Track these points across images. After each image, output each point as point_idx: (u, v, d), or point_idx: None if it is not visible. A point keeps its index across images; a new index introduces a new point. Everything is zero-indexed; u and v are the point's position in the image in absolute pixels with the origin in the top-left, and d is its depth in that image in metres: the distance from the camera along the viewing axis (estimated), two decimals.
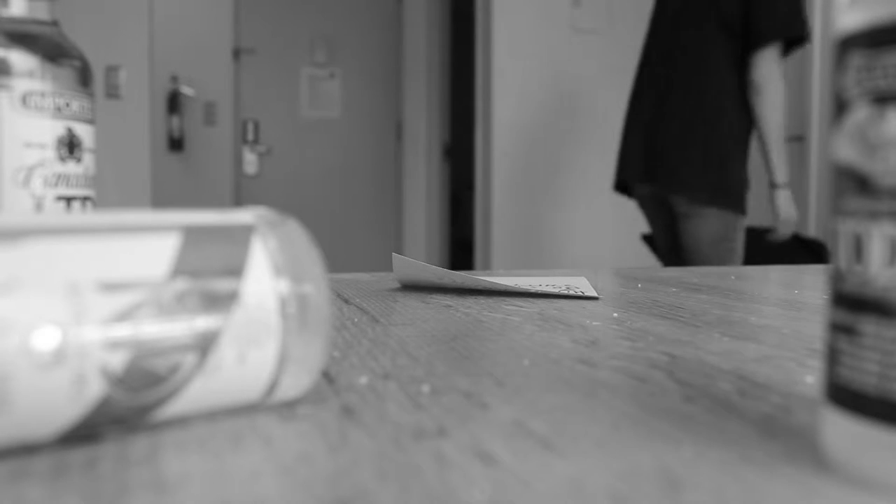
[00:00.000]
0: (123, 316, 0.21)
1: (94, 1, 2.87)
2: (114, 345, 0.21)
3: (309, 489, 0.19)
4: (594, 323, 0.45)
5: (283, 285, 0.24)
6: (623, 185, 1.97)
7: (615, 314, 0.49)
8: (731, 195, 1.78)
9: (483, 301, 0.55)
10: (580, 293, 0.58)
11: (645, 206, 1.96)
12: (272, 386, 0.25)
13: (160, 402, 0.22)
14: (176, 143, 4.10)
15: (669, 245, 1.95)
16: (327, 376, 0.31)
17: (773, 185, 1.80)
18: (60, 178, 0.42)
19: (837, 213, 0.21)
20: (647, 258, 2.76)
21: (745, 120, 1.78)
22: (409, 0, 4.15)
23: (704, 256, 1.81)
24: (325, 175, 4.39)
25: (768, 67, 1.72)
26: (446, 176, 4.29)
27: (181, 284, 0.22)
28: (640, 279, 0.72)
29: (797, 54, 2.37)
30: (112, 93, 2.92)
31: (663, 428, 0.24)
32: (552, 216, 2.94)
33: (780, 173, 1.77)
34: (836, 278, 0.21)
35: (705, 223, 1.79)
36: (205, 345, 0.22)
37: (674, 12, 1.84)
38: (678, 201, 1.82)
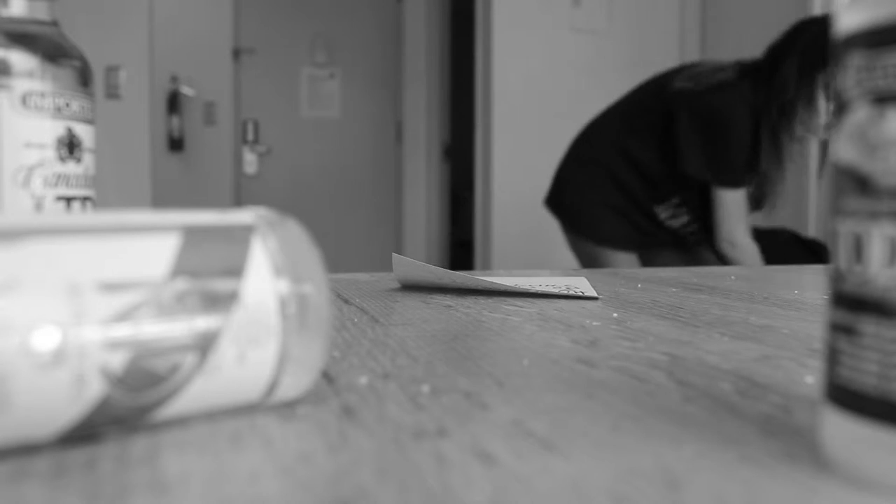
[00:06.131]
0: (123, 316, 0.21)
1: (94, 1, 2.87)
2: (114, 345, 0.21)
3: (309, 489, 0.19)
4: (594, 323, 0.45)
5: (283, 285, 0.24)
6: None
7: (615, 314, 0.49)
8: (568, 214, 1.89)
9: (483, 301, 0.55)
10: (580, 293, 0.58)
11: None
12: (272, 386, 0.25)
13: (160, 402, 0.22)
14: (176, 143, 4.09)
15: None
16: (327, 376, 0.31)
17: None
18: (60, 178, 0.42)
19: (837, 213, 0.21)
20: None
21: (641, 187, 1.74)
22: (409, 0, 4.15)
23: None
24: (325, 175, 4.39)
25: (740, 231, 1.61)
26: (446, 176, 4.29)
27: (181, 284, 0.22)
28: (640, 279, 0.72)
29: None
30: (112, 93, 2.92)
31: (663, 428, 0.24)
32: (552, 216, 2.93)
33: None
34: (836, 278, 0.21)
35: None
36: (205, 345, 0.22)
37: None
38: None
